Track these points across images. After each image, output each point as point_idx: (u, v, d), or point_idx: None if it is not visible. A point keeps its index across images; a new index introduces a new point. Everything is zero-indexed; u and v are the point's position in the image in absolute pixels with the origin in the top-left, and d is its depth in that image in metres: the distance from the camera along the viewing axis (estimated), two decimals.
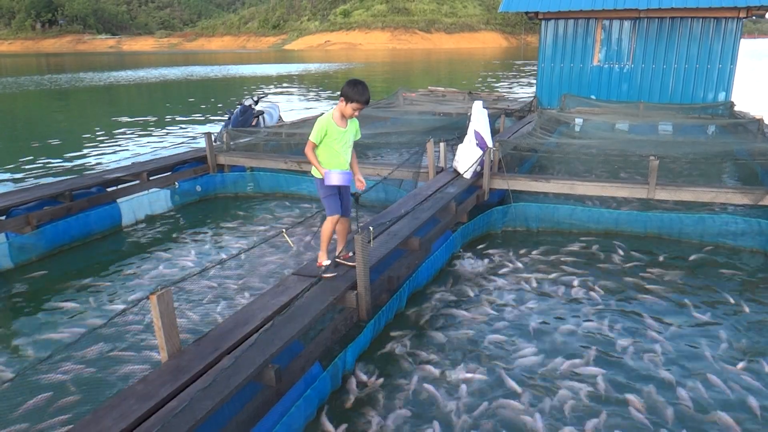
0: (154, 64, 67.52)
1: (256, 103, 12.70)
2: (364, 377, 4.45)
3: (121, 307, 5.59)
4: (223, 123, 13.14)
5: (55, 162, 13.14)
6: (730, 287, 5.96)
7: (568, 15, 14.77)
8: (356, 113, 4.74)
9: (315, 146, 4.76)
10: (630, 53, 14.64)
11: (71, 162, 13.16)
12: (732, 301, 5.63)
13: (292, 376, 3.97)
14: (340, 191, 4.93)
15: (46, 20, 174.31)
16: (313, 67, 59.53)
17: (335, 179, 4.72)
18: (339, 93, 4.70)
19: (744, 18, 13.52)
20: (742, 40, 13.97)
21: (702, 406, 4.04)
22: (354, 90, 4.59)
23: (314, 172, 4.89)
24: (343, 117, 4.74)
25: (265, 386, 3.80)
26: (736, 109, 13.34)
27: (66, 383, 4.40)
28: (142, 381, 3.43)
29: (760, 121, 10.74)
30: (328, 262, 4.98)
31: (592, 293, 5.84)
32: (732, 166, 10.32)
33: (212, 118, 20.91)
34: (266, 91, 31.80)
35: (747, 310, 5.43)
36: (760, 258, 6.75)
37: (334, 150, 4.77)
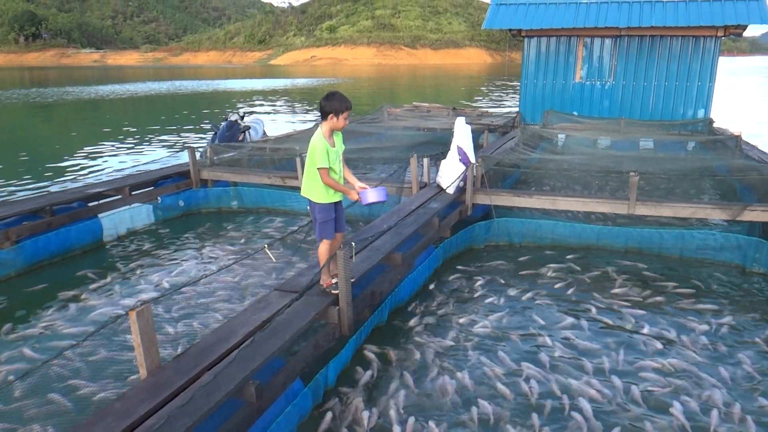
0: (139, 79, 67.30)
1: (242, 118, 12.70)
2: (345, 393, 4.43)
3: (102, 321, 5.54)
4: (208, 138, 13.12)
5: (37, 176, 13.02)
6: (708, 301, 6.02)
7: (551, 33, 14.98)
8: (347, 121, 4.64)
9: (328, 171, 4.62)
10: (611, 70, 14.85)
11: (53, 176, 13.04)
12: (710, 315, 5.70)
13: (273, 392, 3.95)
14: (336, 209, 4.88)
15: (29, 34, 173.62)
16: (299, 82, 59.69)
17: (372, 197, 4.69)
18: (320, 114, 4.59)
19: (722, 36, 13.78)
20: (720, 58, 14.22)
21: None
22: (336, 101, 4.52)
23: (313, 195, 4.74)
24: (331, 135, 4.65)
25: (246, 403, 3.77)
26: (714, 125, 13.56)
27: (43, 402, 4.33)
28: (120, 399, 3.40)
29: (738, 137, 10.91)
30: (335, 280, 4.85)
31: (573, 308, 5.88)
32: (711, 181, 10.47)
33: (197, 132, 20.87)
34: (252, 105, 31.78)
35: (725, 324, 5.49)
36: (737, 272, 6.83)
37: (331, 170, 4.67)
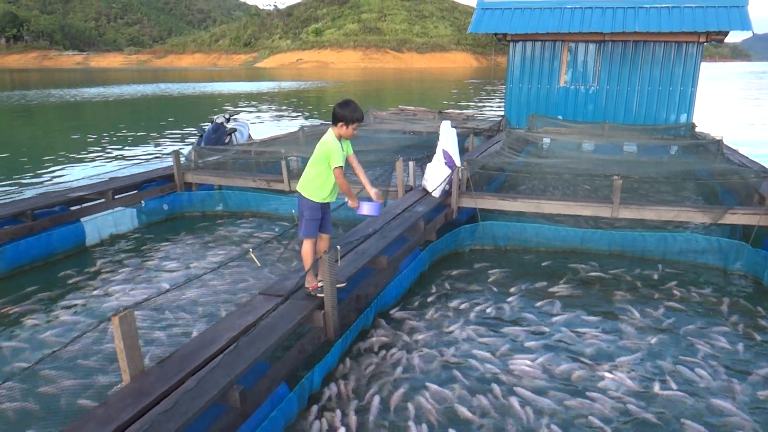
0: (123, 81, 66.83)
1: (228, 120, 12.64)
2: (330, 396, 4.41)
3: (84, 326, 5.48)
4: (194, 141, 13.04)
5: (18, 180, 12.88)
6: (690, 303, 6.09)
7: (536, 37, 15.08)
8: (355, 132, 4.72)
9: (342, 170, 4.71)
10: (595, 75, 14.98)
11: (34, 180, 12.91)
12: (690, 315, 5.76)
13: (257, 397, 3.92)
14: (323, 210, 4.90)
15: (11, 35, 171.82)
16: (285, 85, 59.57)
17: (366, 210, 4.83)
18: (332, 119, 4.67)
19: (704, 42, 13.95)
20: (702, 64, 14.39)
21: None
22: (349, 110, 4.60)
23: (306, 190, 4.79)
24: (339, 139, 4.70)
25: (230, 408, 3.74)
26: (697, 130, 13.70)
27: (23, 409, 4.28)
28: (102, 405, 3.36)
29: (719, 142, 11.02)
30: (320, 283, 4.83)
31: (557, 311, 5.91)
32: (693, 185, 10.58)
33: (182, 135, 20.75)
34: (237, 108, 31.67)
35: (704, 323, 5.55)
36: (719, 275, 6.90)
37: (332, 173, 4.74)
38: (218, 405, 3.66)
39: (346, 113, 4.59)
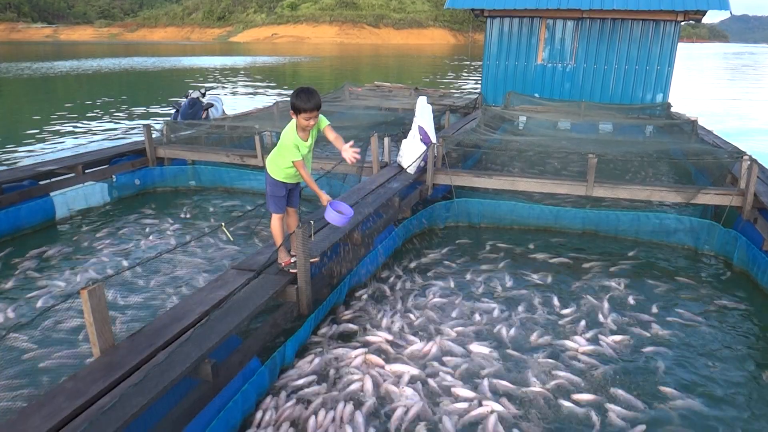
0: (94, 55, 65.31)
1: (203, 95, 12.44)
2: (303, 369, 4.41)
3: (53, 301, 5.39)
4: (170, 117, 12.83)
5: None
6: (660, 282, 6.18)
7: (513, 13, 15.00)
8: (311, 122, 4.41)
9: (303, 162, 4.53)
10: (573, 53, 14.98)
11: (2, 155, 12.61)
12: (658, 294, 5.87)
13: (229, 370, 3.91)
14: (288, 187, 4.84)
15: None
16: (260, 60, 58.76)
17: (335, 220, 4.58)
18: (289, 95, 4.49)
19: (682, 21, 14.02)
20: (680, 44, 14.47)
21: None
22: (298, 99, 4.30)
23: (270, 167, 4.71)
24: (304, 129, 4.50)
25: (202, 381, 3.73)
26: (672, 110, 13.81)
27: None
28: (72, 378, 3.32)
29: (694, 122, 11.14)
30: (293, 259, 4.79)
31: (529, 287, 5.97)
32: (667, 165, 10.69)
33: (155, 110, 20.40)
34: (212, 83, 31.20)
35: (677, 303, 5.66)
36: (690, 254, 7.01)
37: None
38: (190, 378, 3.65)
39: (293, 101, 4.35)
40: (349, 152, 4.52)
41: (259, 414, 3.91)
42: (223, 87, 29.79)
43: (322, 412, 3.93)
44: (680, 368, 4.54)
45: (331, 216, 4.59)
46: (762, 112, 21.90)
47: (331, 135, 4.68)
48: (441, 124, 12.62)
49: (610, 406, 4.03)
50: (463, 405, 4.03)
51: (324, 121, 4.66)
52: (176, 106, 12.18)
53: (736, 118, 19.82)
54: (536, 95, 15.15)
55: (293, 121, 4.49)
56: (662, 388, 4.25)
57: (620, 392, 4.19)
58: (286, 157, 4.51)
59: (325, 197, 4.63)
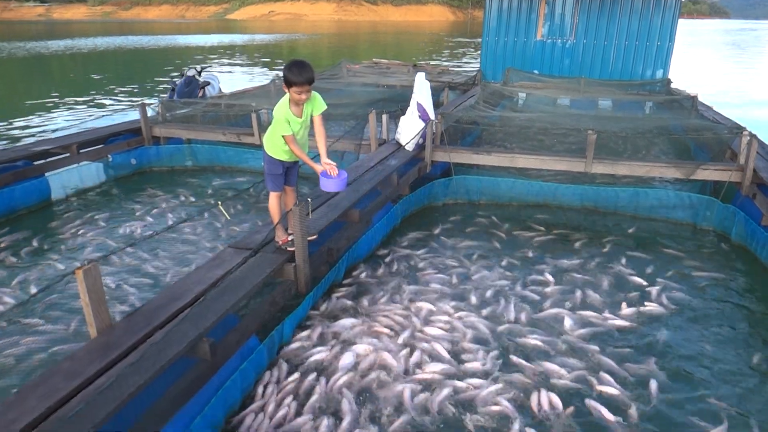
0: (87, 34, 64.54)
1: (200, 73, 12.31)
2: (301, 347, 4.41)
3: (49, 282, 5.37)
4: (166, 95, 12.70)
5: None
6: (658, 257, 6.17)
7: None
8: (303, 96, 4.33)
9: (293, 137, 4.46)
10: (572, 28, 14.81)
11: None
12: (655, 269, 5.85)
13: (227, 349, 3.90)
14: (285, 165, 4.79)
15: None
16: (257, 38, 58.19)
17: (331, 186, 4.53)
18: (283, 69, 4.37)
19: None
20: (680, 20, 14.31)
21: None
22: (290, 72, 4.21)
23: (266, 145, 4.66)
24: (297, 104, 4.43)
25: (201, 360, 3.72)
26: (672, 86, 13.69)
27: None
28: (69, 358, 3.30)
29: (694, 98, 11.06)
30: (291, 237, 4.75)
31: (529, 264, 5.95)
32: (667, 141, 10.63)
33: (149, 88, 20.23)
34: (208, 62, 30.94)
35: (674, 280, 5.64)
36: (688, 230, 6.98)
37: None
38: (188, 358, 3.63)
39: (285, 75, 4.28)
40: (326, 166, 4.52)
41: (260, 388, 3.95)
42: (220, 65, 29.52)
43: (322, 382, 3.98)
44: (677, 342, 4.54)
45: (327, 184, 4.54)
46: (762, 89, 21.76)
47: (318, 126, 4.61)
48: (440, 101, 12.53)
49: (604, 376, 4.07)
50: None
51: (321, 107, 4.57)
52: (172, 84, 12.07)
53: (737, 94, 19.69)
54: (536, 71, 15.02)
55: (286, 95, 4.42)
56: (657, 362, 4.26)
57: (614, 366, 4.21)
58: (277, 131, 4.46)
59: (318, 167, 4.57)
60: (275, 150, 4.63)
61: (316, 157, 4.67)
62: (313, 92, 4.45)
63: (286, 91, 4.36)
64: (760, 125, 9.39)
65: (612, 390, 3.94)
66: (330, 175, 4.52)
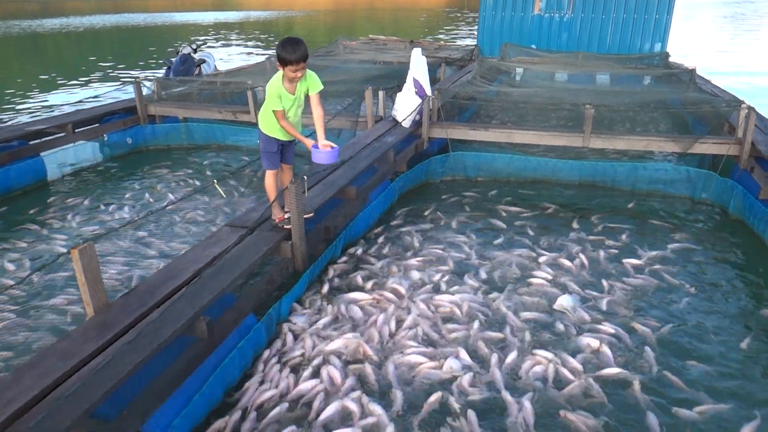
0: (81, 12, 63.70)
1: (195, 51, 12.20)
2: (299, 324, 4.42)
3: (46, 261, 5.36)
4: (162, 74, 12.61)
5: None
6: (656, 231, 6.17)
7: None
8: (298, 74, 4.30)
9: (284, 113, 4.43)
10: (570, 2, 14.67)
11: None
12: (654, 242, 5.85)
13: (225, 327, 3.90)
14: (280, 143, 4.76)
15: None
16: (253, 14, 57.54)
17: (322, 158, 4.49)
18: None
19: None
20: None
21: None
22: (284, 50, 4.16)
23: (260, 123, 4.64)
24: (291, 81, 4.39)
25: (198, 339, 3.72)
26: (670, 59, 13.58)
27: None
28: (65, 338, 3.30)
29: (692, 71, 10.98)
30: (287, 215, 4.76)
31: (527, 239, 5.94)
32: (665, 115, 10.56)
33: (144, 66, 20.05)
34: (204, 39, 30.63)
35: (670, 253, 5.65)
36: (686, 203, 6.97)
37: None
38: (186, 336, 3.63)
39: (278, 53, 4.23)
40: (323, 144, 4.49)
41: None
42: (215, 42, 29.23)
43: (320, 357, 4.01)
44: (674, 315, 4.55)
45: (319, 156, 4.51)
46: (761, 62, 21.59)
47: (315, 106, 4.57)
48: (436, 77, 12.43)
49: (603, 348, 4.10)
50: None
51: (317, 86, 4.53)
52: (168, 62, 11.97)
53: (735, 68, 19.52)
54: (533, 46, 14.87)
55: (280, 71, 4.37)
56: (653, 334, 4.28)
57: (612, 337, 4.23)
58: (270, 107, 4.42)
59: (308, 141, 4.54)
60: (270, 128, 4.59)
61: (311, 135, 4.64)
62: (307, 70, 4.41)
63: (281, 69, 4.32)
64: (758, 98, 9.34)
65: (608, 355, 4.00)
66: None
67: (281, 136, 4.64)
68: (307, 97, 4.59)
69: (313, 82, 4.51)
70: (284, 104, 4.41)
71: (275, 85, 4.38)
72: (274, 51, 4.32)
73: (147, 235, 6.02)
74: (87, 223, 6.39)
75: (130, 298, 3.69)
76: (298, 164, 6.78)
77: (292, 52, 4.17)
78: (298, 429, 3.38)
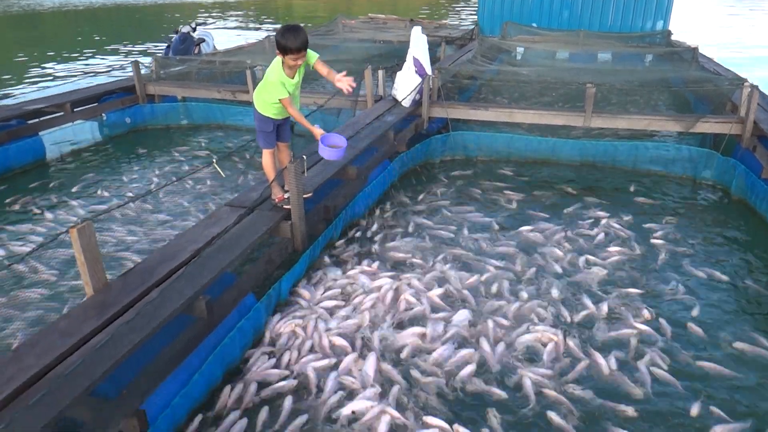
0: None
1: (194, 30, 12.10)
2: (300, 303, 4.43)
3: (44, 240, 5.36)
4: (161, 53, 12.52)
5: None
6: (657, 210, 6.15)
7: None
8: (299, 61, 4.24)
9: (291, 99, 4.37)
10: None
11: None
12: (656, 224, 5.83)
13: (224, 307, 3.90)
14: (276, 122, 4.72)
15: None
16: None
17: (329, 154, 4.46)
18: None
19: None
20: None
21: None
22: (284, 38, 4.09)
23: (256, 103, 4.58)
24: (290, 68, 4.32)
25: (198, 318, 3.72)
26: (672, 38, 13.45)
27: None
28: (65, 317, 3.31)
29: (694, 50, 10.88)
30: (287, 194, 4.72)
31: (527, 219, 5.93)
32: (667, 94, 10.50)
33: (143, 46, 19.89)
34: (202, 18, 30.38)
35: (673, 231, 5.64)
36: (688, 183, 6.94)
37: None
38: (185, 316, 3.63)
39: (278, 41, 4.16)
40: (344, 82, 4.40)
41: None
42: (214, 21, 28.99)
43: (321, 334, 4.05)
44: (676, 295, 4.55)
45: (325, 152, 4.49)
46: (764, 40, 21.41)
47: (324, 69, 4.50)
48: (437, 56, 12.34)
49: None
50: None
51: (313, 56, 4.45)
52: (167, 41, 11.87)
53: (738, 46, 19.35)
54: (534, 25, 14.73)
55: (278, 58, 4.31)
56: (653, 313, 4.29)
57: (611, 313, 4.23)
58: (272, 93, 4.37)
59: (317, 132, 4.48)
60: (264, 107, 4.55)
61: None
62: None
63: (280, 56, 4.25)
64: (760, 76, 9.26)
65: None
66: (329, 141, 4.48)
67: (276, 115, 4.59)
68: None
69: (309, 57, 4.41)
70: (288, 89, 4.35)
71: (277, 73, 4.31)
72: (271, 30, 4.27)
73: (146, 215, 6.01)
74: (85, 203, 6.37)
75: (129, 277, 3.68)
76: (298, 143, 6.75)
77: (293, 40, 4.11)
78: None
